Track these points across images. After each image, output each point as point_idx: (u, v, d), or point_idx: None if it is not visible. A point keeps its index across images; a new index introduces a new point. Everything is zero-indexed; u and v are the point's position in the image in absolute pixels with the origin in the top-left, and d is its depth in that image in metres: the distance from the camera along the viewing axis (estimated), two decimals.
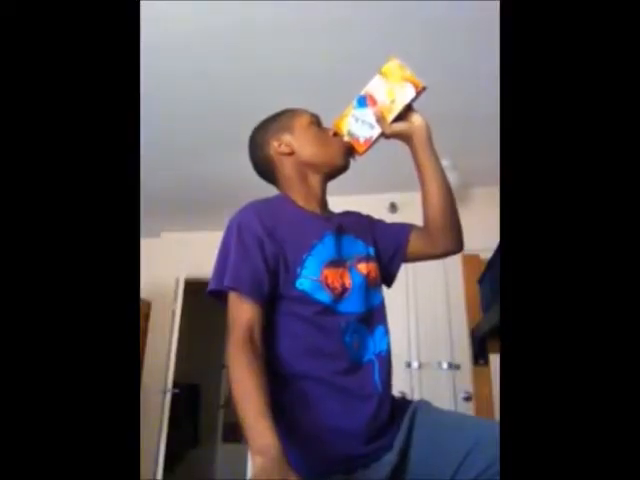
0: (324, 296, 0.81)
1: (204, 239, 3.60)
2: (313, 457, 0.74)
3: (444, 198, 0.93)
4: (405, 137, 0.93)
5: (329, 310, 0.81)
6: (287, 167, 0.95)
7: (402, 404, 0.87)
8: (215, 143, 2.59)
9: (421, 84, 0.89)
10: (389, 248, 0.99)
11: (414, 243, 0.98)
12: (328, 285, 0.82)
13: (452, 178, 2.85)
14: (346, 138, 0.93)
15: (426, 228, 0.96)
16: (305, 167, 0.94)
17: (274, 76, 2.08)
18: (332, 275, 0.83)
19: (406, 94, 0.89)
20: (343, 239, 0.90)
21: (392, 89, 0.90)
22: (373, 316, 0.89)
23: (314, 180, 0.95)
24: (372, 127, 0.92)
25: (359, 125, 0.93)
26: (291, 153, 0.94)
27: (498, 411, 2.44)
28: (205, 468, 4.41)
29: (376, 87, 0.92)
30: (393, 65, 0.92)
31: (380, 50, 1.90)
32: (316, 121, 0.98)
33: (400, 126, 0.91)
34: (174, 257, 3.75)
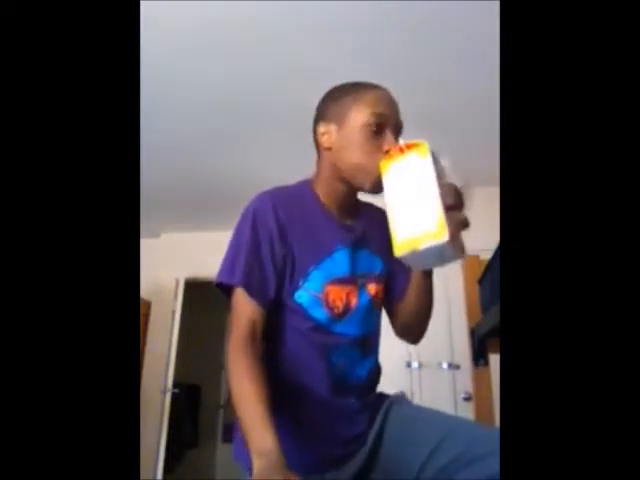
0: (320, 314, 0.79)
1: (204, 239, 3.61)
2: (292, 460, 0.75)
3: (425, 314, 0.90)
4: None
5: (322, 328, 0.80)
6: (323, 158, 0.86)
7: (378, 401, 0.87)
8: (216, 143, 2.59)
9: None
10: (391, 287, 0.93)
11: (392, 304, 0.94)
12: (328, 303, 0.80)
13: (452, 178, 2.86)
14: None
15: (396, 315, 0.93)
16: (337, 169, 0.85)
17: (275, 75, 2.08)
18: (335, 293, 0.80)
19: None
20: (361, 253, 0.86)
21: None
22: (370, 339, 0.87)
23: (346, 185, 0.84)
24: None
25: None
26: (329, 148, 0.84)
27: (498, 411, 2.44)
28: (205, 468, 4.41)
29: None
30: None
31: (381, 49, 1.91)
32: (375, 122, 0.79)
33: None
34: (174, 257, 3.76)
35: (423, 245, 0.63)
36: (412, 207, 0.66)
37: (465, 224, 0.68)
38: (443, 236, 0.62)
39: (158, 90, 2.14)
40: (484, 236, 2.06)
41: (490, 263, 1.77)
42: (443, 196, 0.65)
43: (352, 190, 0.85)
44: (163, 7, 1.67)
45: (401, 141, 0.70)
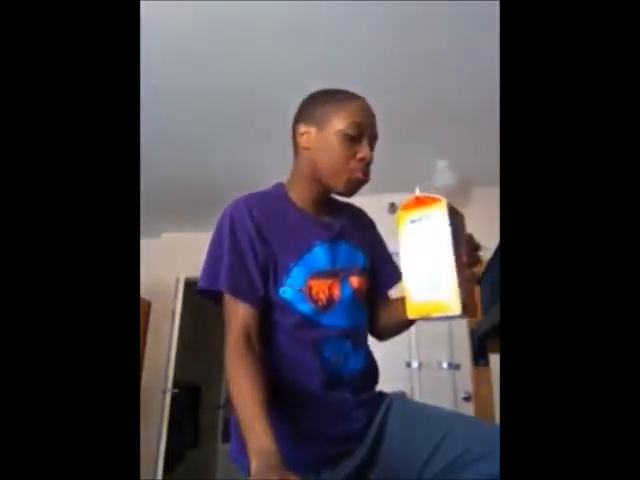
0: (305, 307, 0.80)
1: (204, 239, 3.58)
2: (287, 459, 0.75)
3: (404, 330, 0.91)
4: None
5: (310, 322, 0.81)
6: (301, 157, 0.88)
7: (377, 399, 0.87)
8: (216, 143, 2.59)
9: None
10: (375, 282, 0.94)
11: (375, 303, 0.95)
12: (312, 296, 0.81)
13: (452, 178, 2.86)
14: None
15: (376, 318, 0.94)
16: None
17: (276, 75, 2.09)
18: (318, 286, 0.82)
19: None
20: (340, 247, 0.87)
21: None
22: (360, 332, 0.88)
23: (321, 184, 0.87)
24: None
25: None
26: (307, 148, 0.87)
27: (498, 411, 2.44)
28: (205, 468, 4.41)
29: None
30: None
31: (382, 49, 1.91)
32: (354, 130, 0.82)
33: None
34: (174, 257, 3.75)
35: (437, 314, 0.66)
36: (427, 270, 0.67)
37: (476, 281, 0.70)
38: (457, 310, 0.64)
39: (158, 90, 2.14)
40: (484, 236, 2.06)
41: (490, 263, 1.77)
42: (458, 256, 0.65)
43: (327, 190, 0.88)
44: (163, 5, 1.67)
45: (417, 191, 0.69)
